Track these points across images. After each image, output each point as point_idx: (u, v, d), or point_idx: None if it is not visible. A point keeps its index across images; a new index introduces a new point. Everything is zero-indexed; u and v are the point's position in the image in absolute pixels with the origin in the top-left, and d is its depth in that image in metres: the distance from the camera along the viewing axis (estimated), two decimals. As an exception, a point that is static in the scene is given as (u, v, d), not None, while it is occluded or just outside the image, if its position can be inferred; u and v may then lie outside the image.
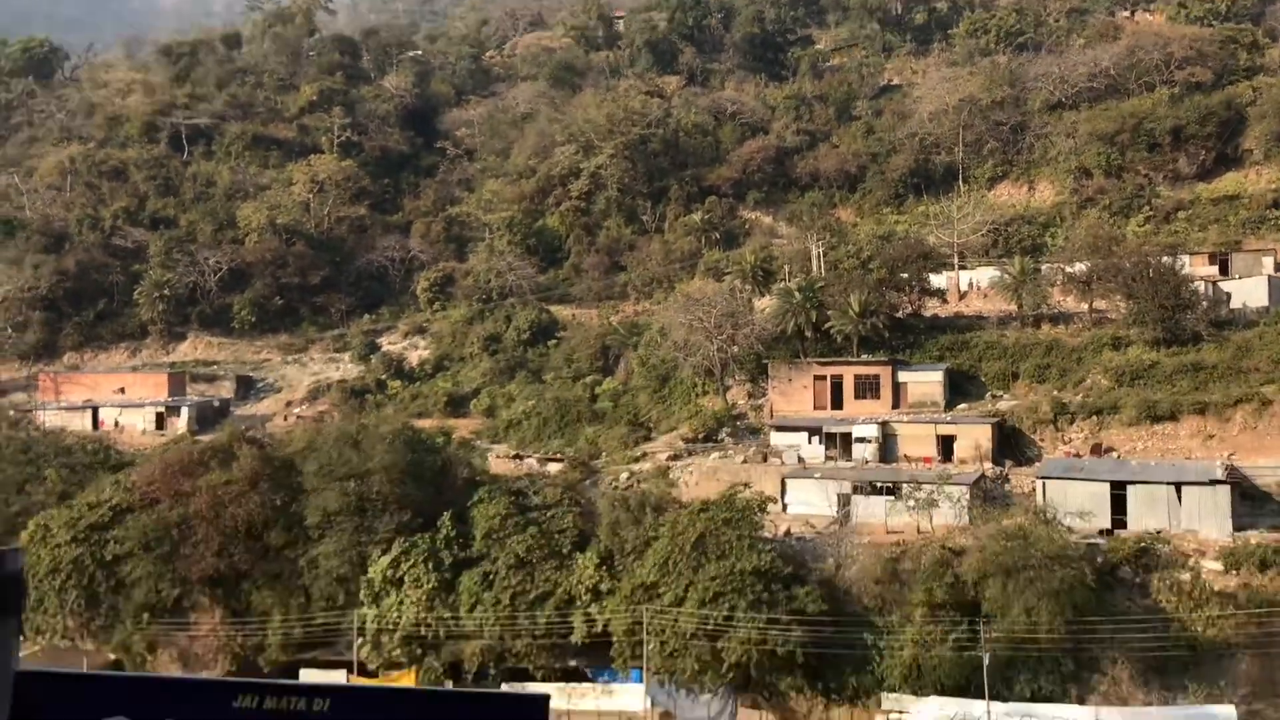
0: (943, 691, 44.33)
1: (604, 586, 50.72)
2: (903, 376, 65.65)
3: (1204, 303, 63.63)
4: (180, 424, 79.74)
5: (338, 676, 50.21)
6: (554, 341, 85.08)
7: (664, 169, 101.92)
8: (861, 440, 61.52)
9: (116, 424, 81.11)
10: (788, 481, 58.35)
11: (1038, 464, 56.84)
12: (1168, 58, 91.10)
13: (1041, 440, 60.11)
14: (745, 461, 63.00)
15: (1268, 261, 71.27)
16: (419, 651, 52.32)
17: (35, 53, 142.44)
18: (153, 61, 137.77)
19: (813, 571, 49.15)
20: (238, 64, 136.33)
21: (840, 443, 62.24)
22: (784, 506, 56.95)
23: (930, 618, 45.26)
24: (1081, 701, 43.47)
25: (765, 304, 74.99)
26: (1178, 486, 50.04)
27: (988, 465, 57.76)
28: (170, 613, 56.87)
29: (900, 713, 44.36)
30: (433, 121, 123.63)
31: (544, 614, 50.84)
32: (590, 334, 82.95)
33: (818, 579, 48.47)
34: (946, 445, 59.93)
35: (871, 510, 54.54)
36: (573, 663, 50.83)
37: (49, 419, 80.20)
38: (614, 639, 49.16)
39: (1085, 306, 68.50)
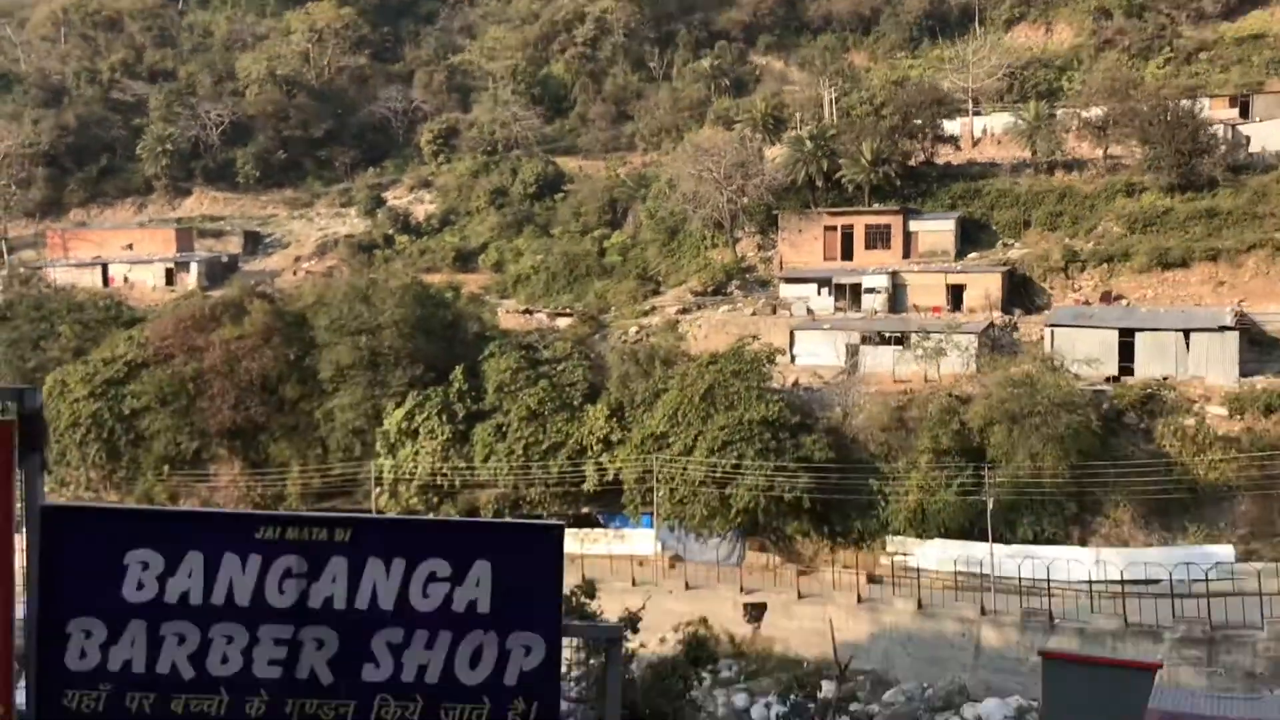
0: (946, 535, 45.37)
1: (614, 437, 51.52)
2: (914, 226, 65.09)
3: (1222, 147, 62.44)
4: (190, 280, 79.85)
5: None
6: (561, 194, 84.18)
7: (671, 13, 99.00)
8: (871, 291, 61.41)
9: (126, 280, 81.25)
10: (796, 333, 58.51)
11: (1047, 312, 56.81)
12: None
13: (1051, 288, 59.97)
14: (754, 314, 63.06)
15: (1290, 104, 69.63)
16: (435, 500, 53.50)
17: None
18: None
19: (820, 420, 49.75)
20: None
21: (850, 294, 62.14)
22: (792, 358, 57.24)
23: (935, 464, 45.99)
24: (1083, 543, 44.50)
25: (776, 153, 73.83)
26: (1186, 333, 50.08)
27: (997, 314, 57.78)
28: (190, 464, 58.14)
29: (904, 555, 45.49)
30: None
31: (556, 463, 51.81)
32: (598, 186, 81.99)
33: (825, 427, 49.12)
34: (956, 295, 59.84)
35: (879, 360, 54.82)
36: (585, 510, 51.99)
37: (59, 276, 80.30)
38: (625, 487, 50.19)
39: (1100, 153, 67.33)
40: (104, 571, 5.05)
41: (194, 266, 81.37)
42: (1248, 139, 65.66)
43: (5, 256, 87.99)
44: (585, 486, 51.18)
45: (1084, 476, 44.45)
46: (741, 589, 45.78)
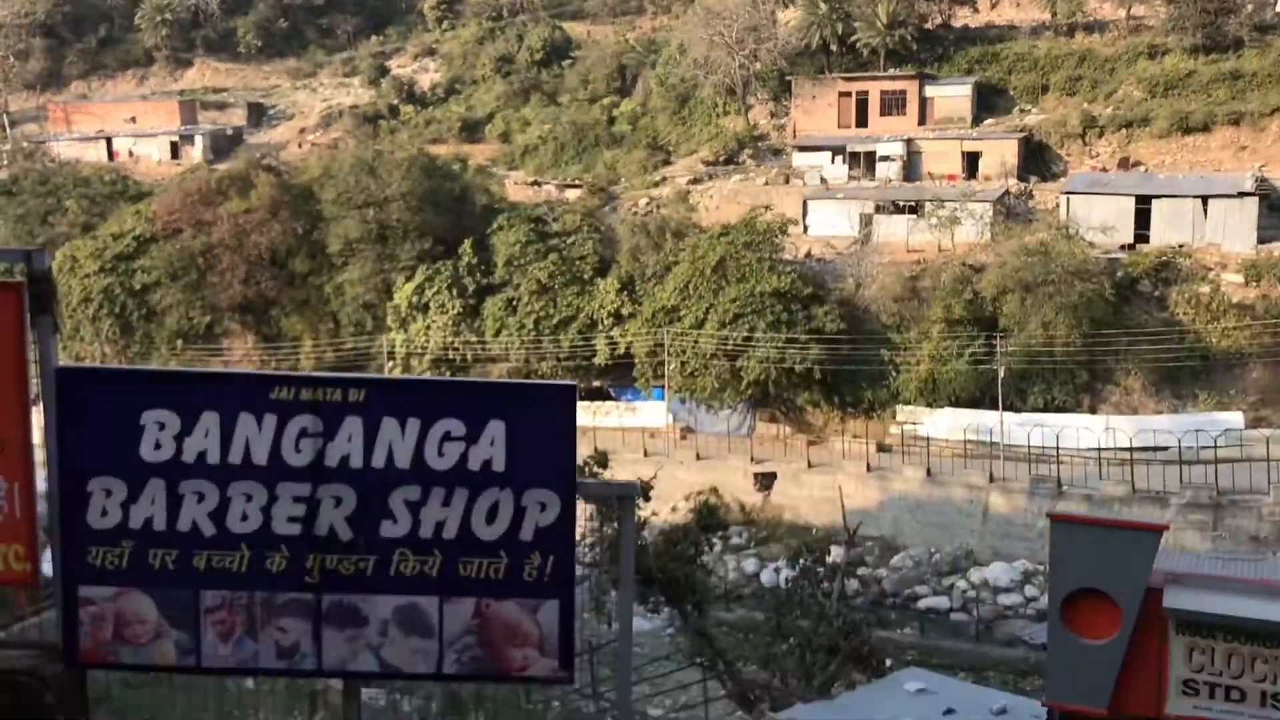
0: (956, 404, 45.65)
1: (625, 311, 51.50)
2: (929, 91, 63.75)
3: (1249, 5, 60.58)
4: (195, 153, 79.08)
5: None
6: (569, 61, 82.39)
7: None
8: (885, 159, 60.52)
9: (131, 154, 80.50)
10: (809, 203, 57.90)
11: (1063, 180, 56.02)
12: None
13: (1068, 155, 59.00)
14: (767, 184, 62.32)
15: (1322, -40, 67.16)
16: (447, 374, 53.83)
17: None
18: None
19: (832, 292, 49.60)
20: None
21: (864, 162, 61.25)
22: (805, 228, 56.75)
23: (947, 333, 46.00)
24: (1093, 411, 44.76)
25: (789, 16, 71.86)
26: (1204, 199, 49.39)
27: (1012, 182, 57.01)
28: (203, 339, 58.52)
29: (914, 424, 45.86)
30: None
31: (567, 337, 51.96)
32: (606, 52, 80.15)
33: (837, 299, 48.99)
34: (972, 162, 58.95)
35: (893, 230, 54.34)
36: (596, 383, 52.31)
37: (63, 150, 79.58)
38: (636, 360, 50.39)
39: (1123, 13, 65.49)
40: (121, 432, 5.07)
41: (198, 139, 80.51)
42: (1276, -2, 63.66)
43: (8, 130, 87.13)
44: (596, 360, 51.38)
45: (1096, 345, 44.46)
46: (752, 459, 46.34)
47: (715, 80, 68.55)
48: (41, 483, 5.22)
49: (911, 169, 60.31)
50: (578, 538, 5.42)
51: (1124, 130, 57.77)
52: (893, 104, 63.91)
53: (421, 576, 5.19)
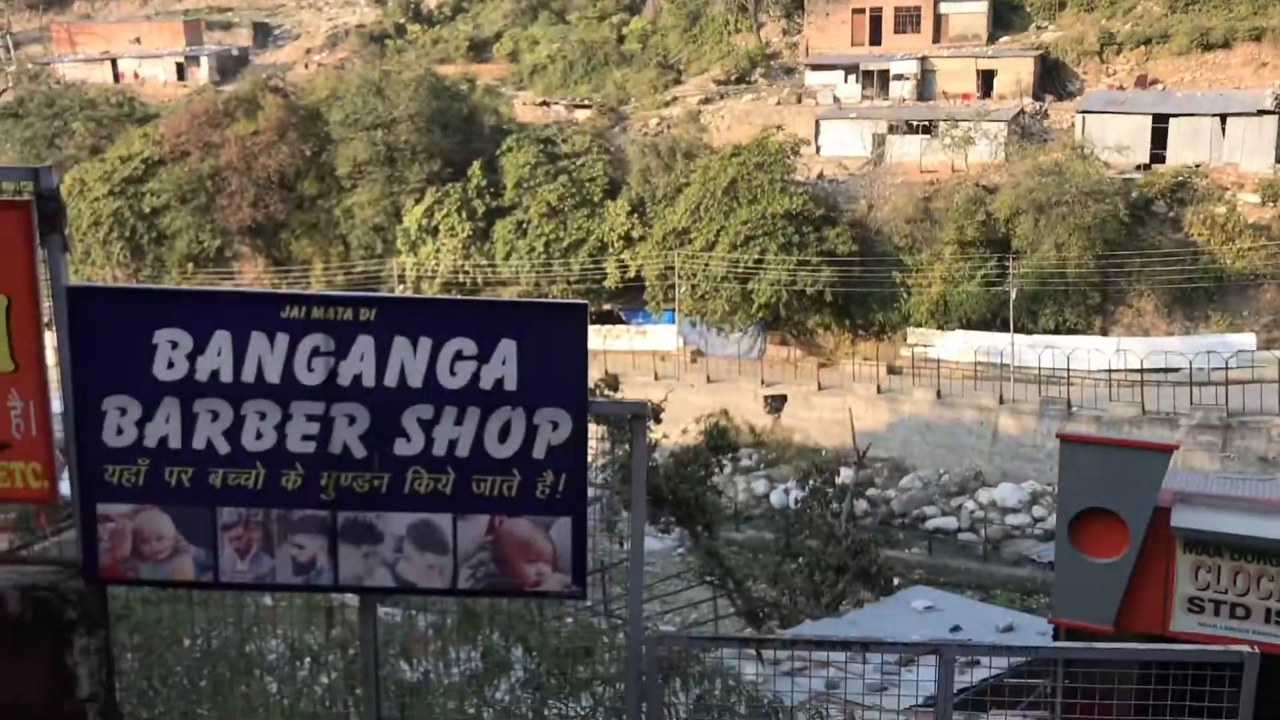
0: (968, 326, 45.59)
1: (636, 233, 51.26)
2: (944, 8, 62.54)
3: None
4: (201, 74, 78.23)
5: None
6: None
7: None
8: (899, 78, 59.60)
9: (137, 75, 79.68)
10: (822, 123, 57.20)
11: (1079, 98, 55.16)
12: None
13: (1085, 73, 58.04)
14: (779, 103, 61.53)
15: None
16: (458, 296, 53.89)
17: None
18: None
19: (844, 213, 49.24)
20: None
21: (878, 81, 60.33)
22: (817, 149, 56.13)
23: (960, 255, 45.74)
24: (1104, 333, 44.65)
25: (802, -70, 70.30)
26: (1222, 118, 48.65)
27: (1028, 101, 56.18)
28: (213, 262, 58.52)
29: (925, 346, 45.87)
30: None
31: (577, 260, 51.79)
32: (616, -32, 78.59)
33: (849, 220, 48.65)
34: (986, 81, 58.04)
35: (906, 150, 53.72)
36: (607, 306, 52.30)
37: (68, 72, 78.76)
38: (646, 284, 50.30)
39: (1145, -74, 63.82)
40: (133, 350, 5.08)
41: (204, 60, 79.57)
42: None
43: (12, 52, 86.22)
44: (607, 283, 51.28)
45: (1109, 266, 44.19)
46: (762, 382, 46.48)
47: (726, -4, 67.37)
48: (57, 403, 5.25)
49: (925, 88, 59.43)
50: (589, 460, 5.45)
51: (1142, 47, 56.72)
52: (907, 21, 62.77)
53: (435, 494, 5.23)
